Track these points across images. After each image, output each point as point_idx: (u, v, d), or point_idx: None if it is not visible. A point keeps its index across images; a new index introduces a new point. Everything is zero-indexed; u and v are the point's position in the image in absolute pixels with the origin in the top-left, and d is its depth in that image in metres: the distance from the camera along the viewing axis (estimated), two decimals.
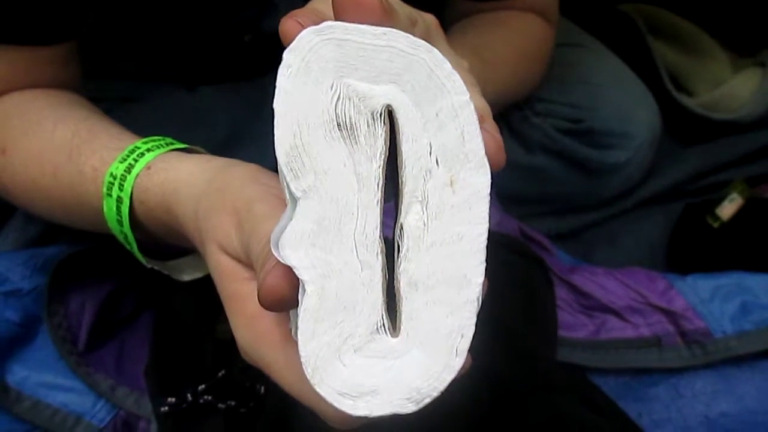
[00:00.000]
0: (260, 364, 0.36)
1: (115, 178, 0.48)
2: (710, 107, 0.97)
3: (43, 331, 0.60)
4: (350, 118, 0.30)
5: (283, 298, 0.31)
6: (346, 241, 0.30)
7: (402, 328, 0.30)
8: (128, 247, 0.51)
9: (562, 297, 0.67)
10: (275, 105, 0.30)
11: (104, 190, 0.49)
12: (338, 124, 0.30)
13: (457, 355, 0.30)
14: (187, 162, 0.47)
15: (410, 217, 0.30)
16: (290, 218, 0.30)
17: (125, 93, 0.76)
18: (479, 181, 0.30)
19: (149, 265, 0.53)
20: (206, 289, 0.61)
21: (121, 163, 0.48)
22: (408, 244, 0.30)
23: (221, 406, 0.55)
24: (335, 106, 0.30)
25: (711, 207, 0.86)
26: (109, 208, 0.49)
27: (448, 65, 0.30)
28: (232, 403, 0.55)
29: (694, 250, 0.84)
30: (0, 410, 0.57)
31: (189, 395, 0.55)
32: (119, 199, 0.48)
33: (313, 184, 0.30)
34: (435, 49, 0.31)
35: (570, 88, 0.80)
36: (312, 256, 0.30)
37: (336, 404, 0.29)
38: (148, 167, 0.47)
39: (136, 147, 0.49)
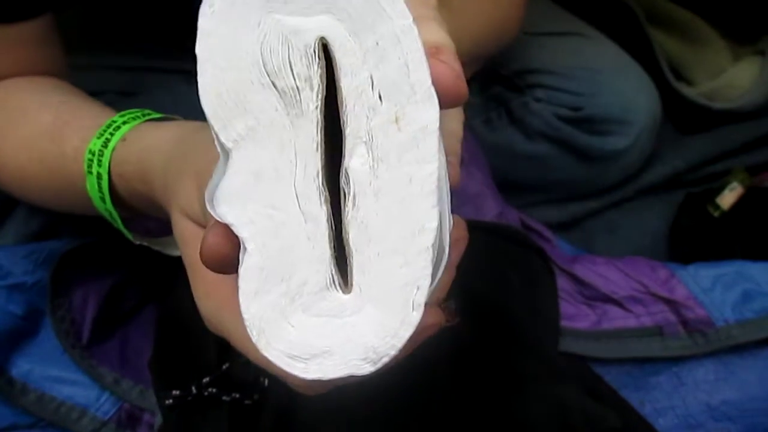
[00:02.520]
0: (222, 333, 0.35)
1: (93, 155, 0.47)
2: (710, 96, 0.97)
3: (47, 325, 0.61)
4: (280, 58, 0.27)
5: (225, 258, 0.29)
6: (287, 192, 0.28)
7: (354, 283, 0.28)
8: (115, 224, 0.50)
9: (563, 287, 0.67)
10: (197, 49, 0.27)
11: (85, 168, 0.48)
12: (265, 66, 0.27)
13: (413, 309, 0.27)
14: (160, 129, 0.46)
15: (354, 160, 0.27)
16: (224, 173, 0.28)
17: (125, 86, 0.76)
18: (427, 116, 0.27)
19: (137, 242, 0.52)
20: None
21: (98, 138, 0.47)
22: (354, 190, 0.28)
23: (225, 398, 0.55)
24: (261, 46, 0.27)
25: (711, 196, 0.86)
26: (91, 186, 0.48)
27: None
28: (237, 396, 0.55)
29: (695, 239, 0.84)
30: (5, 403, 0.57)
31: (193, 388, 0.55)
32: (99, 176, 0.47)
33: (245, 133, 0.27)
34: None
35: (571, 76, 0.80)
36: (250, 210, 0.27)
37: (286, 368, 0.27)
38: (123, 139, 0.47)
39: (112, 121, 0.48)
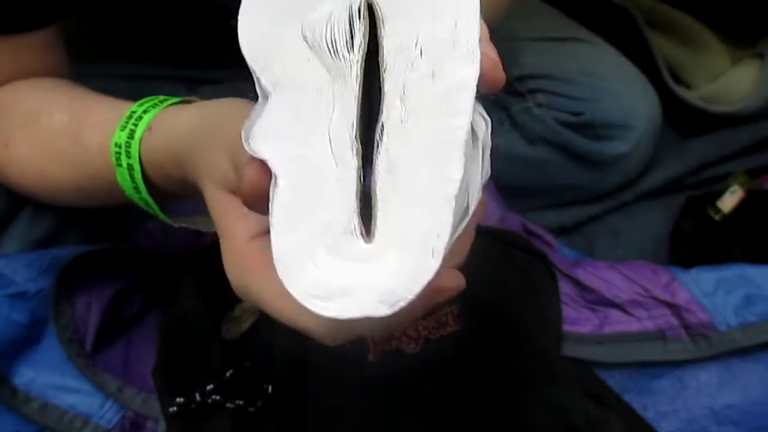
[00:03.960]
0: (249, 297, 0.36)
1: (120, 147, 0.48)
2: (709, 100, 0.97)
3: (50, 333, 0.60)
4: (324, 12, 0.29)
5: (263, 191, 0.29)
6: (321, 135, 0.28)
7: (377, 230, 0.28)
8: (151, 212, 0.51)
9: (565, 292, 0.67)
10: None
11: (113, 161, 0.48)
12: (307, 17, 0.28)
13: (433, 256, 0.27)
14: (184, 112, 0.46)
15: (388, 113, 0.28)
16: (260, 113, 0.29)
17: (127, 94, 0.76)
18: (465, 72, 0.28)
19: (176, 225, 0.52)
20: (212, 288, 0.61)
21: (122, 130, 0.48)
22: (386, 142, 0.28)
23: (229, 405, 0.55)
24: None
25: (712, 199, 0.86)
26: (123, 178, 0.49)
27: None
28: (241, 403, 0.55)
29: (696, 242, 0.84)
30: (9, 412, 0.57)
31: (197, 395, 0.55)
32: (130, 167, 0.48)
33: (284, 77, 0.28)
34: None
35: (571, 81, 0.81)
36: (285, 148, 0.28)
37: (307, 305, 0.28)
38: (149, 128, 0.47)
39: (132, 112, 0.48)
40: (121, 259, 0.63)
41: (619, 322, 0.66)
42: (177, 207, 0.53)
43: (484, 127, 0.30)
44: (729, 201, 0.84)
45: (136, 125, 0.48)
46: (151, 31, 0.77)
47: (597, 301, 0.67)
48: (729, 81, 0.99)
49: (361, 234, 0.28)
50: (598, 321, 0.66)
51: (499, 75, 0.30)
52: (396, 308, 0.27)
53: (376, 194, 0.28)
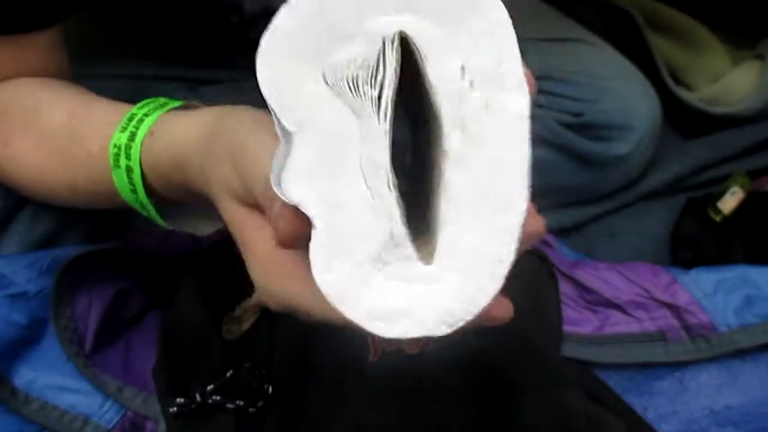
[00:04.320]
0: (284, 303, 0.36)
1: (119, 149, 0.48)
2: (710, 101, 0.97)
3: (50, 333, 0.60)
4: (350, 51, 0.29)
5: (299, 235, 0.30)
6: (352, 170, 0.29)
7: (437, 254, 0.29)
8: (146, 213, 0.51)
9: (565, 292, 0.67)
10: (263, 37, 0.29)
11: (111, 162, 0.48)
12: (329, 56, 0.29)
13: (494, 281, 0.29)
14: (187, 120, 0.46)
15: (448, 142, 0.29)
16: (287, 154, 0.29)
17: (127, 94, 0.76)
18: (518, 103, 0.29)
19: (170, 227, 0.53)
20: (212, 288, 0.61)
21: (122, 132, 0.48)
22: (446, 171, 0.29)
23: (230, 406, 0.55)
24: (328, 41, 0.29)
25: (713, 200, 0.86)
26: (119, 179, 0.49)
27: None
28: (241, 403, 0.55)
29: (697, 243, 0.84)
30: (9, 412, 0.57)
31: (197, 395, 0.55)
32: (129, 169, 0.48)
33: (307, 116, 0.29)
34: None
35: (572, 82, 0.81)
36: (316, 188, 0.29)
37: (368, 327, 0.29)
38: (151, 132, 0.47)
39: (133, 114, 0.49)
40: (121, 259, 0.63)
41: (620, 323, 0.66)
42: (171, 209, 0.53)
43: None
44: (729, 202, 0.84)
45: (137, 128, 0.48)
46: (152, 32, 0.77)
47: (597, 301, 0.67)
48: (729, 82, 0.99)
49: (419, 257, 0.29)
50: (598, 322, 0.66)
51: (532, 87, 0.30)
52: (455, 327, 0.29)
53: (437, 219, 0.29)
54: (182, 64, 0.78)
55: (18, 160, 0.56)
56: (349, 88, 0.29)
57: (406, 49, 0.30)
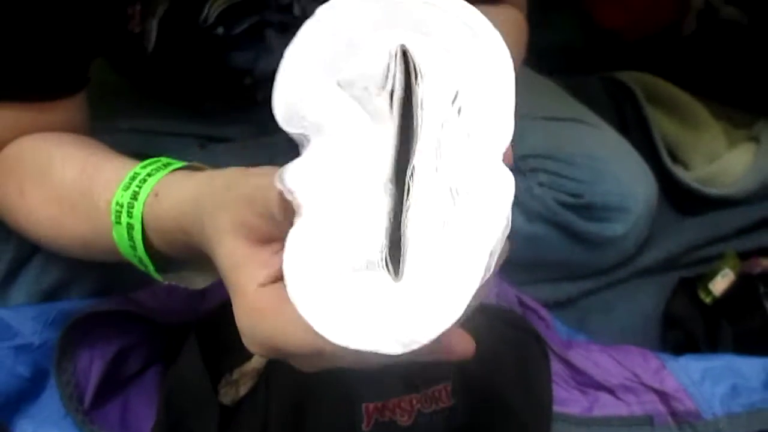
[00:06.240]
0: (266, 342, 0.37)
1: (121, 206, 0.49)
2: (705, 181, 0.99)
3: (51, 387, 0.61)
4: (361, 63, 0.31)
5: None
6: (355, 175, 0.30)
7: (405, 273, 0.29)
8: (143, 268, 0.52)
9: (557, 372, 0.68)
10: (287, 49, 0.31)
11: (113, 219, 0.50)
12: (343, 69, 0.30)
13: (455, 308, 0.29)
14: (190, 182, 0.48)
15: (424, 161, 0.30)
16: (297, 156, 0.31)
17: (140, 148, 0.77)
18: (502, 135, 0.30)
19: (166, 282, 0.53)
20: (214, 351, 0.62)
21: (125, 190, 0.49)
22: (418, 188, 0.30)
23: None
24: (344, 52, 0.31)
25: (703, 281, 0.88)
26: (119, 235, 0.50)
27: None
28: None
29: (687, 325, 0.86)
30: None
31: None
32: (130, 226, 0.49)
33: (323, 122, 0.30)
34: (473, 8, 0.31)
35: (572, 162, 0.83)
36: (314, 184, 0.30)
37: (319, 329, 0.29)
38: (155, 193, 0.48)
39: (135, 173, 0.50)
40: (125, 316, 0.64)
41: (608, 406, 0.67)
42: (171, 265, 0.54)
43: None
44: (720, 284, 0.86)
45: (140, 187, 0.49)
46: (164, 88, 0.79)
47: (588, 383, 0.68)
48: (725, 163, 1.02)
49: (389, 271, 0.29)
50: (587, 403, 0.67)
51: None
52: (407, 349, 0.29)
53: (407, 238, 0.29)
54: (195, 121, 0.80)
55: (33, 211, 0.58)
56: (361, 96, 0.31)
57: (410, 64, 0.31)
